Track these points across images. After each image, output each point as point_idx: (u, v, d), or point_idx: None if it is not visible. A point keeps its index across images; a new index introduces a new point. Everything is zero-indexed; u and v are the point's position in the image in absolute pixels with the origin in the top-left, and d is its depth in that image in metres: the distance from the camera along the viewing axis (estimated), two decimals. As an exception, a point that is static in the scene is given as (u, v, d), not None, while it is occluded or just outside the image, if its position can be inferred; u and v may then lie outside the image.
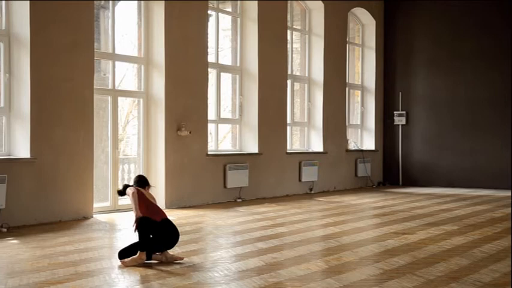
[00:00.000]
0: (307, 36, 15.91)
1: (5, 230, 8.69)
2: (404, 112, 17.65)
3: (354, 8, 17.13)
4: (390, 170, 17.96)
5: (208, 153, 12.51)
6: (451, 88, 17.08)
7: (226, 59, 14.19)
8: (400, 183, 17.69)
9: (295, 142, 15.80)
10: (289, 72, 15.05)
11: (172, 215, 10.61)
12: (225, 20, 14.18)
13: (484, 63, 16.53)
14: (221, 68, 13.43)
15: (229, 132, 14.39)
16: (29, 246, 7.60)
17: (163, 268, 6.39)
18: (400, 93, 17.74)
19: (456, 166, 16.91)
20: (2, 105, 9.45)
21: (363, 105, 17.88)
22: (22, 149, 9.41)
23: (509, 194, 14.16)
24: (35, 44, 9.43)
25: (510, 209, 11.73)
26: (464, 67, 16.86)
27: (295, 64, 15.87)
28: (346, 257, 7.10)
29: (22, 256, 7.01)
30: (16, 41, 9.47)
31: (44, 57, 9.57)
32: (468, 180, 16.59)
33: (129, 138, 13.00)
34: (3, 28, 9.48)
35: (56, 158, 9.75)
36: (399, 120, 17.69)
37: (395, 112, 17.77)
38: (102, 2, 11.62)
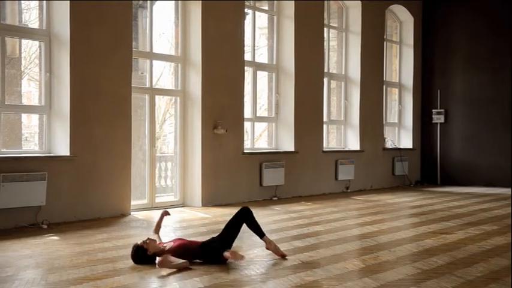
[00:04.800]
0: (344, 34, 15.82)
1: (45, 226, 8.87)
2: (442, 110, 17.41)
3: (392, 5, 16.97)
4: (428, 168, 17.74)
5: (244, 151, 12.54)
6: (490, 86, 16.78)
7: (262, 57, 14.20)
8: (438, 182, 17.46)
9: (331, 140, 15.72)
10: (325, 70, 14.98)
11: (208, 213, 10.69)
12: (262, 19, 14.19)
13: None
14: (257, 66, 13.44)
15: (265, 130, 14.39)
16: (69, 243, 7.73)
17: (199, 266, 6.42)
18: (439, 91, 17.50)
19: (496, 165, 16.60)
20: (42, 103, 9.64)
21: (400, 103, 17.70)
22: (62, 146, 9.57)
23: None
24: (75, 44, 9.58)
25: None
26: (503, 64, 16.53)
27: (331, 62, 15.78)
28: (383, 256, 7.04)
29: (62, 252, 7.13)
30: (56, 41, 9.64)
31: (83, 56, 9.72)
32: (508, 180, 16.22)
33: (166, 136, 13.12)
34: (43, 28, 9.66)
35: (95, 156, 9.89)
36: (438, 119, 17.45)
37: (433, 110, 17.54)
38: (141, 1, 11.74)
